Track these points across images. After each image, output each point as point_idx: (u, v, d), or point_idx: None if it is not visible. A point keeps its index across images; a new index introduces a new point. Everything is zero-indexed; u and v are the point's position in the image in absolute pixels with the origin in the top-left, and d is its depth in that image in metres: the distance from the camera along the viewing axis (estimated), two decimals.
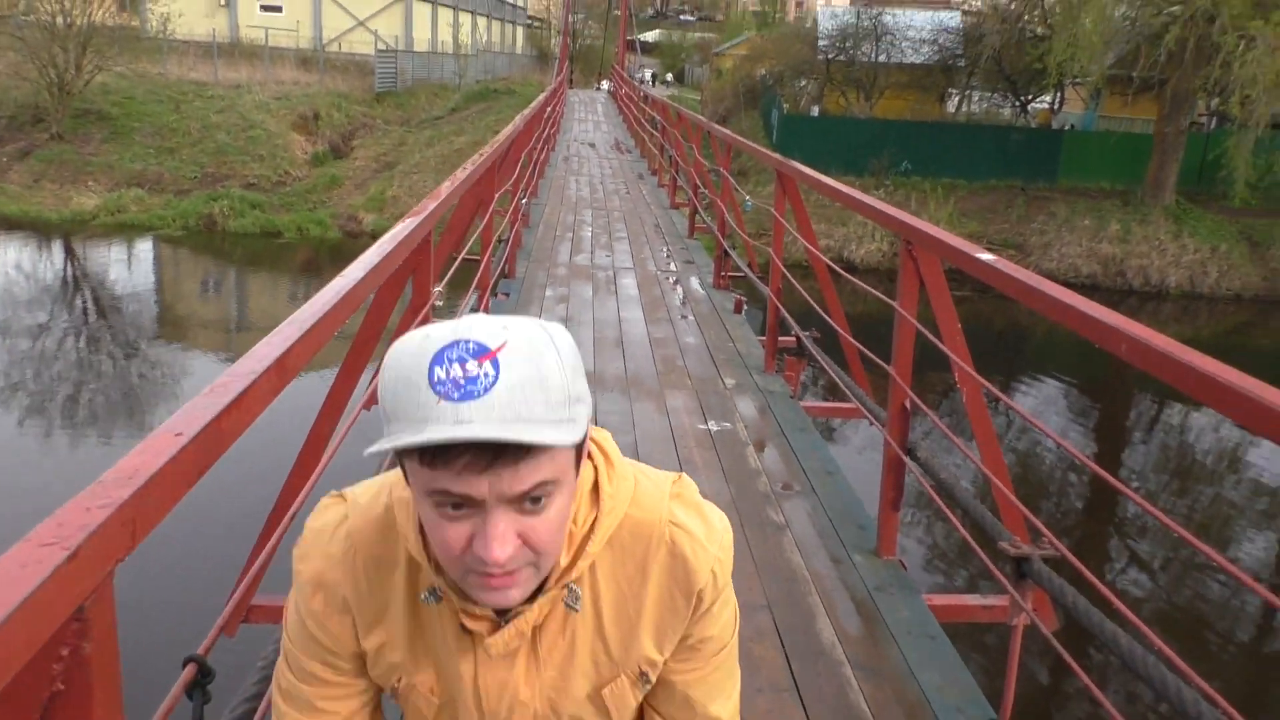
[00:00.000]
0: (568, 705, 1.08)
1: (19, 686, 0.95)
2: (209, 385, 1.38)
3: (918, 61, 27.74)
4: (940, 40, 27.75)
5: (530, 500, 0.87)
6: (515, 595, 0.93)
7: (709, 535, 1.06)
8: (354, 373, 2.97)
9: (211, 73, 26.11)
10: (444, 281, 3.66)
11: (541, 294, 6.96)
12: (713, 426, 4.63)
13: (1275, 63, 17.72)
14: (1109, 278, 19.57)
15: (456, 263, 3.98)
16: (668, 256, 8.68)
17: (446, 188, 3.49)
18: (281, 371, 1.53)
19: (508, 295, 6.73)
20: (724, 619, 1.10)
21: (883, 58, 27.58)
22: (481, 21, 45.47)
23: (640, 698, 1.12)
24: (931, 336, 3.16)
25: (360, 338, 3.00)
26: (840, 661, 2.83)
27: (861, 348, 4.11)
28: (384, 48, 31.10)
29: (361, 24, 35.28)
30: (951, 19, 29.64)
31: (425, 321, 3.06)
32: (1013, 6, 22.66)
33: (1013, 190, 22.25)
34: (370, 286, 2.14)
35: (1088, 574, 2.13)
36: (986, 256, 2.65)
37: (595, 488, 1.03)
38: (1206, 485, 11.30)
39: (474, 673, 1.05)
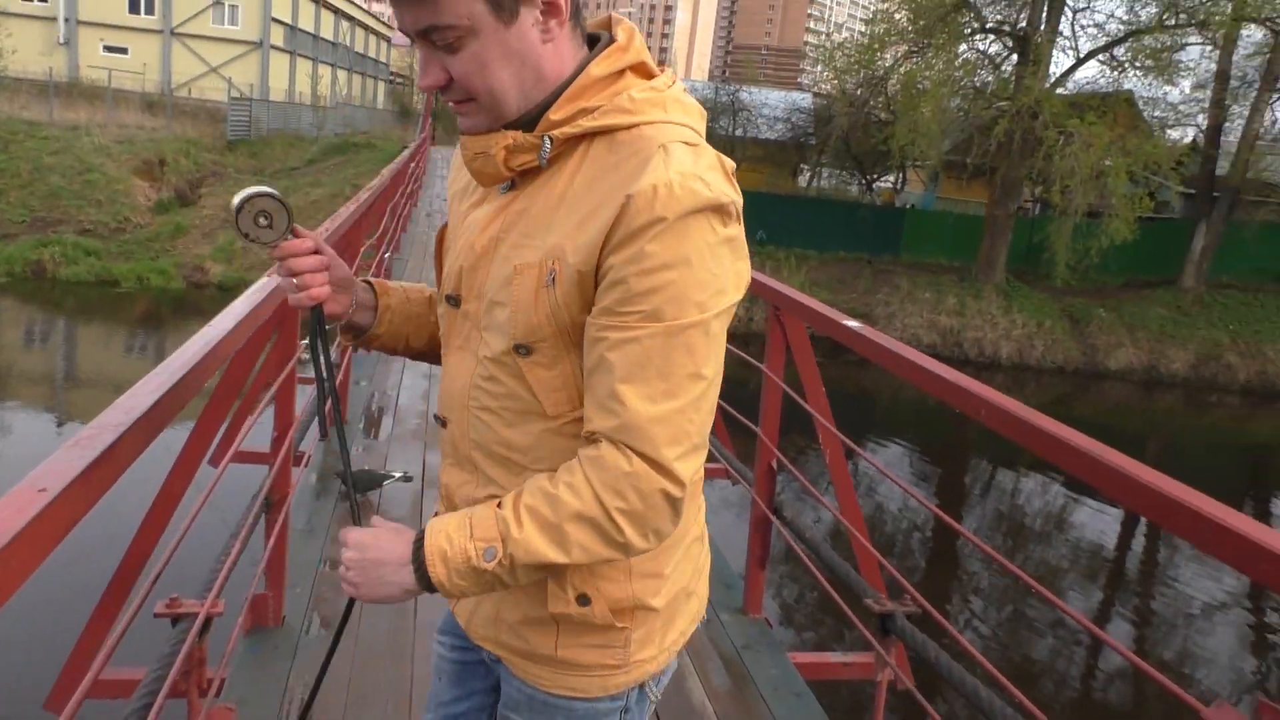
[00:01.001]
0: (495, 268, 1.16)
1: None
2: (72, 438, 1.29)
3: (772, 137, 29.03)
4: (793, 119, 29.17)
5: (439, 41, 1.07)
6: (467, 124, 1.15)
7: (682, 169, 1.04)
8: (211, 427, 2.83)
9: (47, 112, 24.70)
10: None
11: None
12: None
13: (1090, 157, 19.42)
14: (947, 348, 20.71)
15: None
16: None
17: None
18: (150, 424, 1.45)
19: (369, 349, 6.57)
20: (654, 277, 1.03)
21: (739, 132, 28.73)
22: (342, 74, 44.89)
23: (535, 305, 1.11)
24: (797, 397, 3.27)
25: (218, 392, 2.87)
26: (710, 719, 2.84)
27: (729, 408, 4.20)
28: (238, 95, 30.22)
29: (214, 70, 34.26)
30: (804, 99, 31.25)
31: (290, 378, 2.96)
32: (859, 92, 24.05)
33: (860, 262, 23.38)
34: (241, 337, 2.05)
35: (951, 629, 2.22)
36: (854, 324, 2.78)
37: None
38: (1036, 544, 11.98)
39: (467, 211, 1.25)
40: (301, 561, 3.57)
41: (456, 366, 1.25)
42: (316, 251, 1.30)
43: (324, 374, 1.36)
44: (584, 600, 1.20)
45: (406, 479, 4.26)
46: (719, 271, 1.06)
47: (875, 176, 29.67)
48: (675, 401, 1.05)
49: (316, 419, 4.54)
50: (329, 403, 1.38)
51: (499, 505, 1.11)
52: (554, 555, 1.08)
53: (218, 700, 2.69)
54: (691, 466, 1.08)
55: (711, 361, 1.08)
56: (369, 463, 4.68)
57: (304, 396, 3.88)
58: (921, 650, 2.46)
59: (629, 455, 1.05)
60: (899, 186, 31.38)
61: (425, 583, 1.12)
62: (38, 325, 17.51)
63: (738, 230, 1.09)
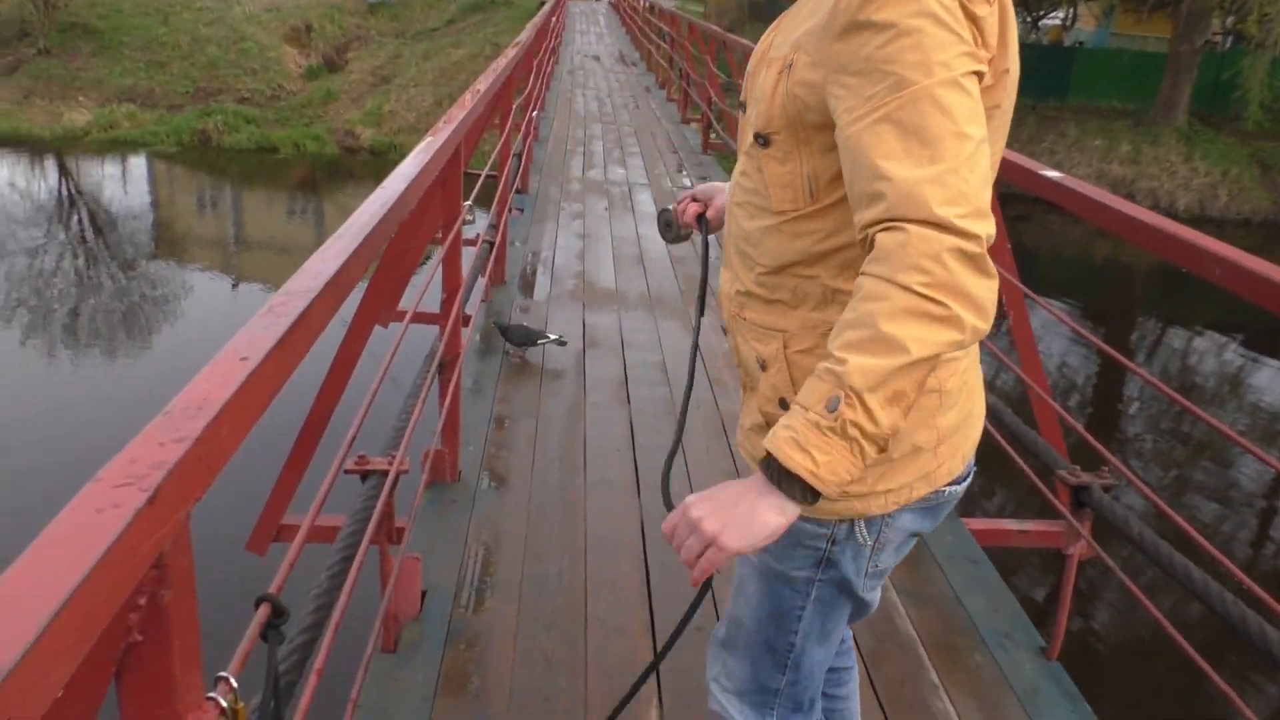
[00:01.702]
0: (764, 69, 1.20)
1: (89, 638, 0.86)
2: (265, 305, 1.26)
3: None
4: None
5: None
6: None
7: None
8: (383, 289, 2.85)
9: None
10: (472, 195, 3.51)
11: (556, 209, 6.79)
12: None
13: None
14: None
15: (482, 178, 3.83)
16: (682, 173, 8.47)
17: (470, 99, 3.32)
18: (337, 289, 1.41)
19: (521, 210, 6.56)
20: (888, 46, 1.00)
21: None
22: None
23: (773, 95, 1.15)
24: None
25: (389, 254, 2.87)
26: (886, 588, 2.78)
27: None
28: None
29: None
30: None
31: (456, 240, 2.93)
32: None
33: (1023, 108, 21.78)
34: (411, 199, 2.01)
35: (1162, 505, 2.05)
36: (1053, 174, 2.51)
37: None
38: (1208, 406, 11.29)
39: None
40: (471, 420, 3.65)
41: (737, 168, 1.31)
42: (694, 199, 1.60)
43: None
44: (784, 404, 1.19)
45: (561, 342, 4.26)
46: (959, 30, 1.01)
47: (1041, 14, 27.29)
48: (943, 163, 0.98)
49: (480, 280, 4.58)
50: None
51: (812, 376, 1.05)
52: (893, 359, 0.97)
53: (406, 550, 2.81)
54: (980, 227, 0.98)
55: (975, 121, 1.01)
56: (528, 323, 4.71)
57: (466, 260, 3.88)
58: (1123, 526, 2.30)
59: (904, 227, 0.98)
60: (1068, 23, 28.80)
61: (795, 487, 1.02)
62: (207, 191, 18.42)
63: None
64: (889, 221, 0.99)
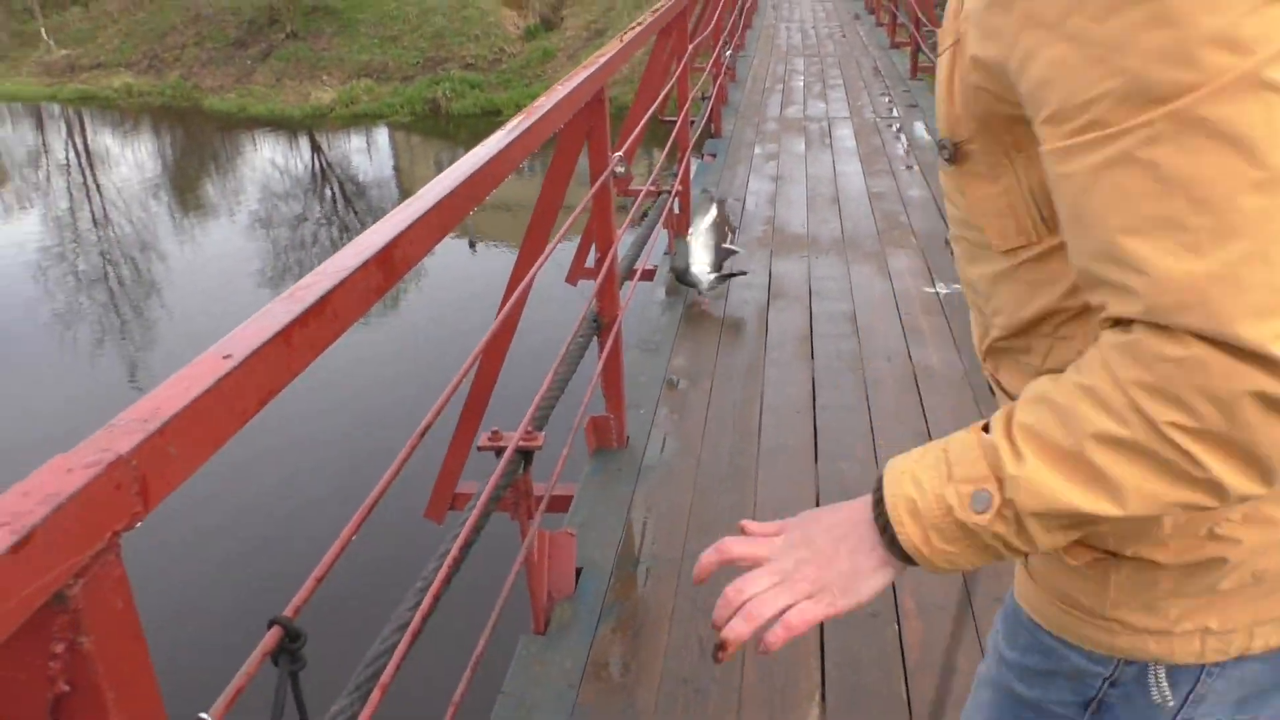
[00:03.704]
0: (941, 65, 0.83)
1: (11, 689, 0.76)
2: (291, 288, 1.14)
3: None
4: None
5: None
6: None
7: None
8: (537, 248, 2.73)
9: None
10: (627, 145, 3.33)
11: (750, 152, 6.49)
12: (941, 289, 4.12)
13: None
14: None
15: (642, 123, 3.63)
16: (888, 101, 7.90)
17: (626, 37, 3.12)
18: (387, 265, 1.27)
19: (714, 156, 6.32)
20: (1108, 23, 0.60)
21: None
22: None
23: (949, 88, 0.79)
24: None
25: (539, 209, 2.74)
26: None
27: None
28: None
29: None
30: None
31: (604, 192, 2.76)
32: None
33: None
34: (517, 156, 1.84)
35: None
36: None
37: None
38: None
39: None
40: (643, 380, 3.51)
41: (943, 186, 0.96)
42: None
43: None
44: None
45: (740, 274, 4.07)
46: None
47: None
48: (1236, 241, 0.58)
49: (663, 231, 4.42)
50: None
51: (984, 426, 0.74)
52: (1091, 500, 0.66)
53: (566, 524, 2.72)
54: None
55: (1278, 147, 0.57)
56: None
57: (628, 217, 3.71)
58: None
59: (1181, 339, 0.61)
60: None
61: (897, 550, 0.76)
62: (442, 159, 19.36)
63: None
64: (1157, 324, 0.62)
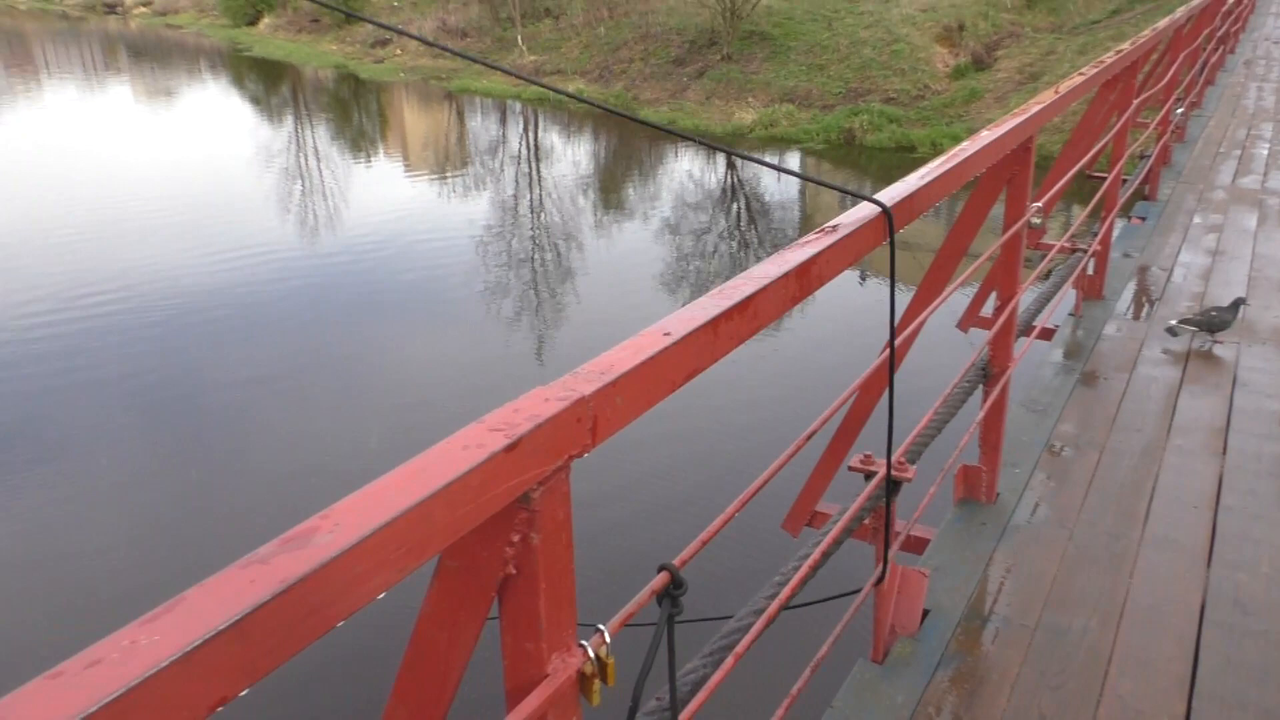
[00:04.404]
0: None
1: (477, 561, 0.97)
2: (720, 286, 1.29)
3: None
4: None
5: None
6: None
7: None
8: (935, 288, 2.75)
9: None
10: (1048, 197, 3.21)
11: (1187, 220, 5.90)
12: None
13: None
14: None
15: (1067, 176, 3.47)
16: None
17: (1066, 86, 3.02)
18: (804, 278, 1.39)
19: (1144, 219, 5.83)
20: None
21: None
22: None
23: None
24: None
25: (945, 250, 2.75)
26: None
27: None
28: None
29: None
30: None
31: (1015, 242, 2.70)
32: None
33: None
34: (937, 194, 1.89)
35: None
36: None
37: None
38: None
39: None
40: (1024, 440, 3.37)
41: None
42: None
43: None
44: None
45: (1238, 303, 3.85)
46: None
47: None
48: None
49: (1067, 288, 4.20)
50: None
51: None
52: None
53: (919, 564, 2.71)
54: None
55: None
56: (1123, 348, 4.18)
57: (1038, 267, 3.57)
58: None
59: None
60: None
61: None
62: (849, 186, 19.53)
63: None
64: None
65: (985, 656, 2.36)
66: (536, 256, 14.45)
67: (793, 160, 20.48)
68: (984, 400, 2.87)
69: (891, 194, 1.75)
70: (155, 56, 39.86)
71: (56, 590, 6.16)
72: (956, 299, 3.53)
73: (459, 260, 13.65)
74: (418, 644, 1.03)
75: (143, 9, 49.98)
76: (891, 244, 1.61)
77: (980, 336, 3.29)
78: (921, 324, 2.42)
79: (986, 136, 2.17)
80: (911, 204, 1.79)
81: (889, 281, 1.57)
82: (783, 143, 21.23)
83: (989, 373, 2.85)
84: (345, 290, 12.45)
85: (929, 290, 2.70)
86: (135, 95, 30.30)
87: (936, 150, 19.64)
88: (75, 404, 8.93)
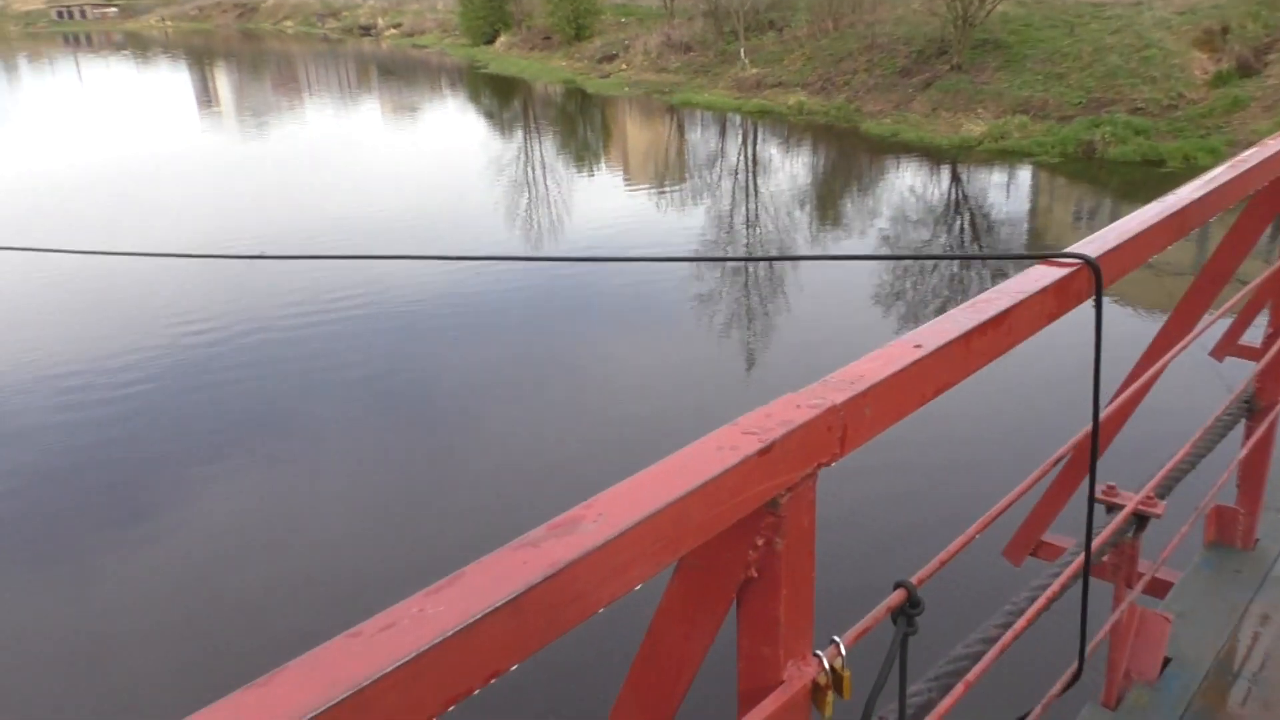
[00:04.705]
0: None
1: (718, 560, 0.99)
2: (974, 299, 1.25)
3: None
4: None
5: None
6: None
7: None
8: (1193, 315, 2.54)
9: None
10: None
11: None
12: None
13: None
14: None
15: None
16: None
17: None
18: (1061, 296, 1.32)
19: None
20: None
21: None
22: None
23: None
24: None
25: (1207, 274, 2.54)
26: None
27: None
28: None
29: None
30: None
31: None
32: None
33: None
34: (1205, 212, 1.74)
35: None
36: None
37: None
38: None
39: None
40: None
41: None
42: None
43: None
44: None
45: None
46: None
47: None
48: None
49: None
50: None
51: None
52: None
53: (1156, 604, 2.51)
54: None
55: None
56: None
57: None
58: None
59: None
60: None
61: None
62: (1084, 205, 18.36)
63: None
64: None
65: (1234, 716, 2.16)
66: (750, 269, 14.46)
67: (1023, 174, 19.46)
68: (1246, 437, 2.62)
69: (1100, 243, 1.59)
70: (402, 75, 43.03)
71: (296, 565, 6.75)
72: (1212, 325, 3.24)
73: (673, 271, 13.88)
74: (654, 638, 1.05)
75: (393, 30, 54.07)
76: (1098, 305, 1.41)
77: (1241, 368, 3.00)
78: (1179, 351, 2.24)
79: (1273, 146, 1.99)
80: (1178, 220, 1.66)
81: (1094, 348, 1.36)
82: (1013, 156, 20.22)
83: (1255, 407, 2.60)
84: (564, 296, 12.95)
85: (1186, 315, 2.50)
86: (382, 111, 32.80)
87: (1189, 164, 18.10)
88: (321, 397, 9.77)
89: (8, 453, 8.69)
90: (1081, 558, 1.97)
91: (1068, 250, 1.38)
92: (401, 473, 8.13)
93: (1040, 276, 1.31)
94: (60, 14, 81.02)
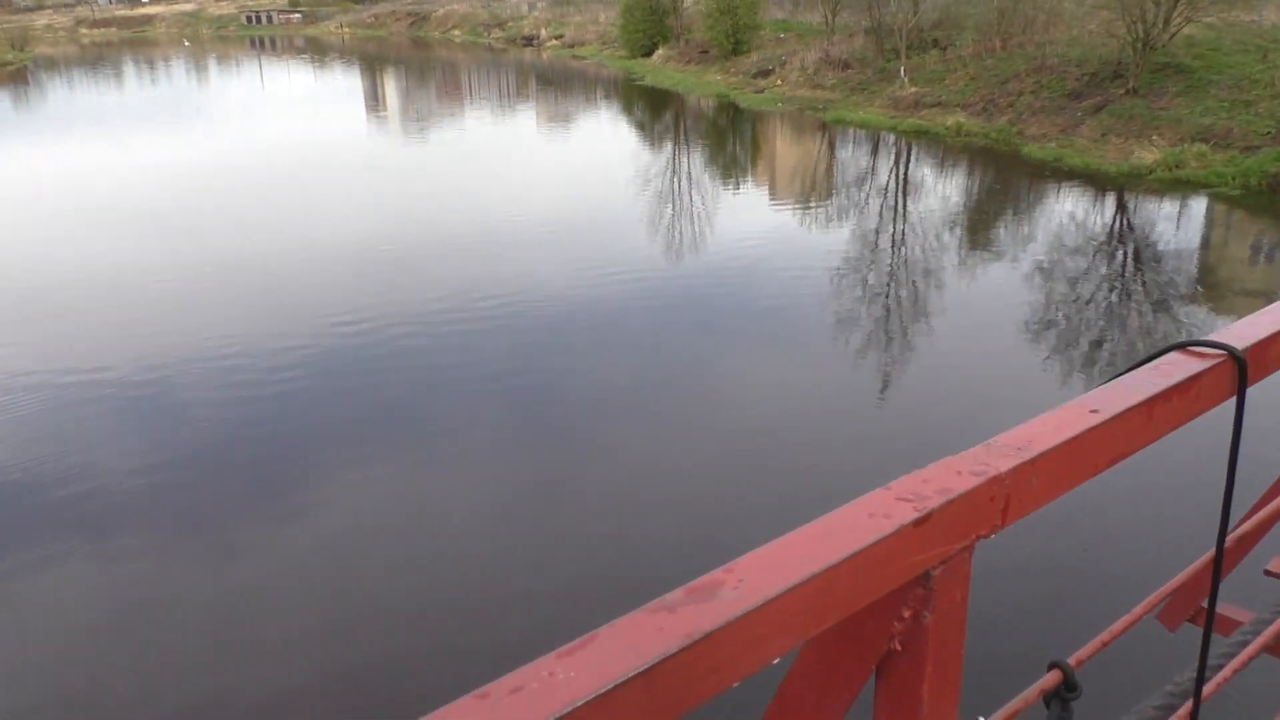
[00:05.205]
0: None
1: (860, 630, 0.93)
2: (1157, 362, 1.14)
3: None
4: None
5: None
6: None
7: None
8: None
9: None
10: None
11: None
12: None
13: None
14: None
15: None
16: None
17: None
18: (1261, 358, 1.20)
19: None
20: None
21: None
22: None
23: None
24: None
25: None
26: None
27: None
28: None
29: None
30: None
31: None
32: None
33: None
34: None
35: None
36: None
37: None
38: None
39: None
40: None
41: None
42: None
43: None
44: None
45: None
46: None
47: None
48: None
49: None
50: None
51: None
52: None
53: None
54: None
55: None
56: None
57: None
58: None
59: None
60: None
61: None
62: (1265, 241, 17.10)
63: None
64: None
65: None
66: (892, 291, 14.09)
67: (1197, 206, 18.27)
68: None
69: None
70: (559, 84, 44.07)
71: (420, 554, 6.94)
72: None
73: (813, 289, 13.66)
74: (783, 700, 1.00)
75: (554, 41, 55.46)
76: (1240, 402, 1.20)
77: None
78: None
79: None
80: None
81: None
82: (1187, 186, 19.04)
83: None
84: (700, 310, 12.91)
85: None
86: (538, 120, 33.62)
87: None
88: (458, 392, 10.04)
89: (169, 425, 9.31)
90: (1247, 636, 1.80)
91: (1208, 338, 1.17)
92: (532, 472, 8.28)
93: (1235, 336, 1.19)
94: (249, 19, 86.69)
